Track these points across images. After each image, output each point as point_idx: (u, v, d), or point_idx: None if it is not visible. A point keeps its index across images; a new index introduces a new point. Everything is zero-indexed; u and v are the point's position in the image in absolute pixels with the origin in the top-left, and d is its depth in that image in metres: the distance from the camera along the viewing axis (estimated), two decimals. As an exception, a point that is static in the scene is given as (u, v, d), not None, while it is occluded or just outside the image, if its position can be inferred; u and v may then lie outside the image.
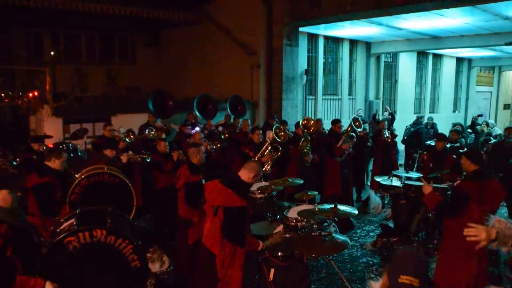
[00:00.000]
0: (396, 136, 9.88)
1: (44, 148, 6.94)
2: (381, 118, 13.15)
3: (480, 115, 13.28)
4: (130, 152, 6.95)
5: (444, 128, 13.77)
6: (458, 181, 4.80)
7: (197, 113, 10.40)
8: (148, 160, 6.89)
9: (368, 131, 10.28)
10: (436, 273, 4.81)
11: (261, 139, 7.66)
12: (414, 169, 8.45)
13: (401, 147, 11.63)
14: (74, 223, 3.59)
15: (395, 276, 2.21)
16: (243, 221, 3.98)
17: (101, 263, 3.48)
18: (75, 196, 5.11)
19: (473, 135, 12.64)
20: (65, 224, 3.74)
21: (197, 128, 8.88)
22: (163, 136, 8.22)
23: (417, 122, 12.86)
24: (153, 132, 8.28)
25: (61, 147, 7.48)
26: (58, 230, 3.70)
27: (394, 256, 2.37)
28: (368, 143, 9.86)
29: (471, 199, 4.36)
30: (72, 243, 3.39)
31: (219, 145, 7.62)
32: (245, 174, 4.11)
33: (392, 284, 2.24)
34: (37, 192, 4.76)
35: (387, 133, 9.36)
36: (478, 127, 11.97)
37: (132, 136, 8.12)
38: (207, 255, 4.08)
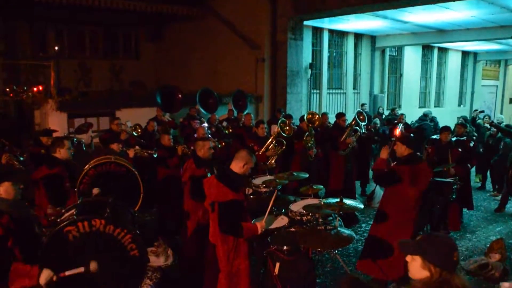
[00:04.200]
0: (414, 131, 9.81)
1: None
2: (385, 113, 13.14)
3: (482, 111, 13.20)
4: (137, 147, 6.96)
5: (449, 122, 13.70)
6: (394, 164, 5.19)
7: (200, 107, 10.39)
8: (155, 156, 6.88)
9: (378, 125, 10.26)
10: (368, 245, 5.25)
11: (265, 133, 7.64)
12: None
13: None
14: (74, 213, 3.61)
15: (449, 259, 2.29)
16: (238, 214, 3.96)
17: (100, 253, 3.49)
18: (83, 186, 5.16)
19: (474, 129, 12.60)
20: (66, 214, 3.76)
21: (205, 124, 8.87)
22: (170, 130, 8.23)
23: (423, 118, 12.82)
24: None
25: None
26: (58, 220, 3.72)
27: (434, 243, 2.35)
28: (376, 138, 9.84)
29: (404, 181, 4.76)
30: (71, 233, 3.41)
31: (223, 143, 7.60)
32: (236, 165, 4.08)
33: (449, 267, 2.30)
34: (47, 183, 4.85)
35: (400, 127, 9.28)
36: (479, 121, 11.96)
37: (139, 130, 8.15)
38: (213, 251, 4.08)
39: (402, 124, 9.44)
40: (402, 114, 9.97)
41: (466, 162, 7.48)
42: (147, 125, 8.61)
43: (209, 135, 7.67)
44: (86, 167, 5.37)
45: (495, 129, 9.83)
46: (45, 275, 3.07)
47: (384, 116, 12.91)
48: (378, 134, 10.23)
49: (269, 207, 4.27)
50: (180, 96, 10.49)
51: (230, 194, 3.90)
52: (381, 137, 10.17)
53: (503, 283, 4.91)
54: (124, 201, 4.25)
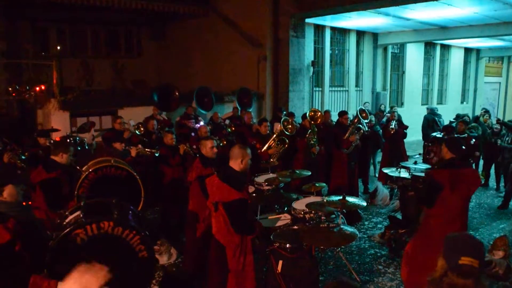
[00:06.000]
0: (407, 127, 9.79)
1: (51, 142, 6.96)
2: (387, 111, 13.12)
3: (487, 111, 13.18)
4: (140, 146, 6.95)
5: (451, 119, 13.66)
6: (430, 169, 4.99)
7: (197, 106, 10.37)
8: (157, 154, 6.87)
9: (374, 122, 10.24)
10: (409, 259, 4.77)
11: (268, 131, 7.64)
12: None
13: (410, 138, 11.50)
14: (81, 215, 3.58)
15: (454, 258, 2.24)
16: (245, 212, 3.96)
17: (108, 255, 3.47)
18: (83, 190, 5.11)
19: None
20: (71, 217, 3.72)
21: (202, 122, 8.86)
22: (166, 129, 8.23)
23: (433, 112, 12.81)
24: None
25: (68, 140, 7.49)
26: (64, 223, 3.70)
27: (451, 239, 2.38)
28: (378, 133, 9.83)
29: (444, 187, 4.43)
30: (79, 236, 3.38)
31: (225, 142, 7.60)
32: (234, 163, 4.05)
33: (451, 265, 2.26)
34: (45, 187, 4.75)
35: (393, 124, 9.33)
36: (481, 118, 12.04)
37: (142, 129, 8.16)
38: (217, 249, 4.07)
39: (394, 121, 9.43)
40: (393, 112, 9.96)
41: (468, 160, 7.48)
42: (147, 124, 8.61)
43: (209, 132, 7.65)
44: (84, 168, 5.33)
45: (498, 127, 9.78)
46: None
47: (385, 113, 12.90)
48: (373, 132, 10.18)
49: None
50: (177, 94, 10.45)
51: (234, 194, 3.88)
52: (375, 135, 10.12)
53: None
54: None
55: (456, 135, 7.97)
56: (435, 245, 4.36)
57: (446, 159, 4.67)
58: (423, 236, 4.66)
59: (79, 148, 7.72)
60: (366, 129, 8.72)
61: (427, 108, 13.40)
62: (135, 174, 5.55)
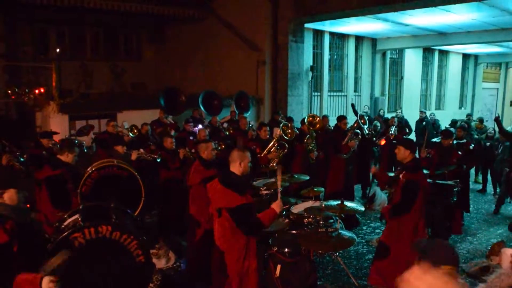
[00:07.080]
0: (406, 133, 9.81)
1: (53, 143, 6.97)
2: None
3: (470, 119, 13.30)
4: (141, 150, 6.93)
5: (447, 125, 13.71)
6: (403, 174, 4.76)
7: (203, 109, 10.38)
8: (158, 160, 6.82)
9: (379, 128, 10.29)
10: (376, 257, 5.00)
11: (268, 136, 7.65)
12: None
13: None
14: (79, 219, 3.59)
15: (434, 269, 2.24)
16: (251, 214, 3.94)
17: (106, 259, 3.48)
18: (86, 188, 5.19)
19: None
20: (69, 220, 3.74)
21: (200, 126, 8.86)
22: (172, 132, 8.22)
23: (426, 116, 12.88)
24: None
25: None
26: (62, 226, 3.70)
27: (426, 249, 2.38)
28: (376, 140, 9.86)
29: (420, 190, 4.52)
30: (77, 239, 3.40)
31: (223, 146, 7.59)
32: (234, 167, 4.03)
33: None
34: (50, 183, 4.93)
35: (392, 130, 9.35)
36: (473, 123, 12.10)
37: (135, 131, 8.13)
38: (220, 253, 4.04)
39: (394, 126, 9.46)
40: (393, 117, 10.04)
41: (466, 164, 7.52)
42: (141, 128, 8.59)
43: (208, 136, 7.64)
44: (88, 169, 5.40)
45: (492, 132, 9.89)
46: (46, 282, 3.03)
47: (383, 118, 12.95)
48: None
49: (278, 186, 4.20)
50: (183, 98, 10.47)
51: (238, 199, 3.83)
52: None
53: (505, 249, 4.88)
54: (125, 204, 4.25)
55: (456, 141, 7.99)
56: (397, 237, 4.69)
57: (409, 160, 4.70)
58: (389, 231, 4.90)
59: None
60: (367, 132, 8.74)
61: (422, 111, 13.39)
62: (136, 174, 5.60)
